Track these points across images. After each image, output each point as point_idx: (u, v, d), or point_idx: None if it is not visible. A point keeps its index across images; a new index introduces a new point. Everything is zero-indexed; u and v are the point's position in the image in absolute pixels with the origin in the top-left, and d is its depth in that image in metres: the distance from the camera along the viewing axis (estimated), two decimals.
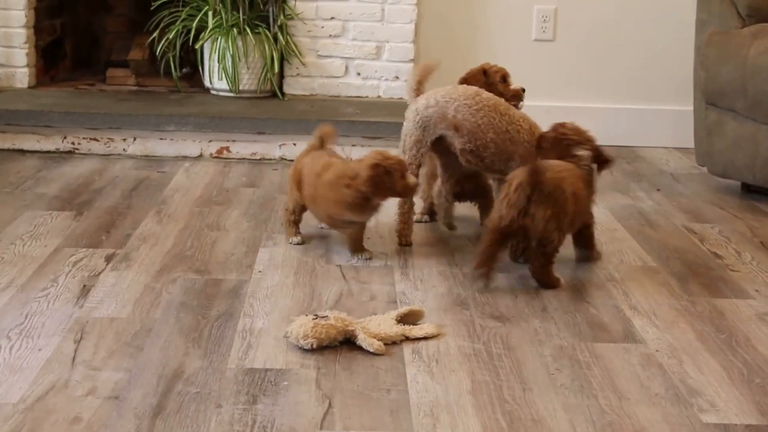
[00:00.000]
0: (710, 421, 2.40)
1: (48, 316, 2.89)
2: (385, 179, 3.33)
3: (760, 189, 4.44)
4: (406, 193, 3.41)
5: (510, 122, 3.57)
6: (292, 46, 5.24)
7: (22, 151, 4.83)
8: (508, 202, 3.17)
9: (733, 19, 4.48)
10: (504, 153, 3.56)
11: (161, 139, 4.86)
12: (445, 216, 3.78)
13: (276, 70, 5.16)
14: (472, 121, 3.54)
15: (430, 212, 3.92)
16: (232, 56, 5.10)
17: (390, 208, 3.61)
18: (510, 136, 3.55)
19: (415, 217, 3.78)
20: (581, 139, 3.47)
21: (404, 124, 3.67)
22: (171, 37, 5.16)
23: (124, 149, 4.86)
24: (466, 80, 3.89)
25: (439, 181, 3.77)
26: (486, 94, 3.61)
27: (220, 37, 5.10)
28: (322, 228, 3.73)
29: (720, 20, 4.52)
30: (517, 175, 3.21)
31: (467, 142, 3.55)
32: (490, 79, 3.91)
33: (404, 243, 3.64)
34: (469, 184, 3.82)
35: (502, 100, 3.66)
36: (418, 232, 3.76)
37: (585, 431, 2.33)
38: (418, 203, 3.88)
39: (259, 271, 3.31)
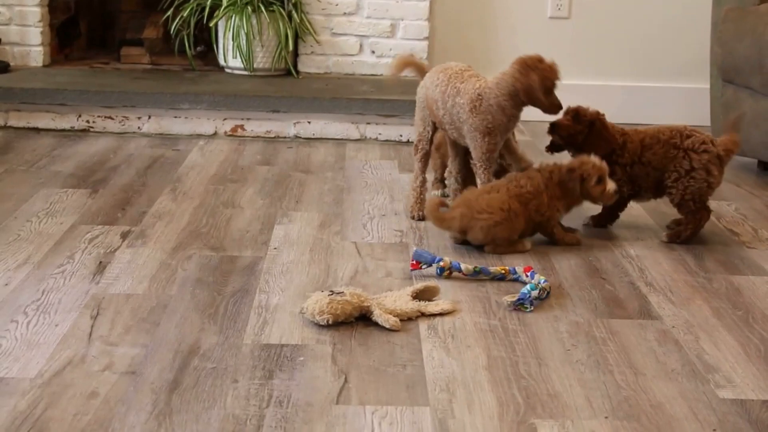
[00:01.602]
0: (727, 397, 2.39)
1: (64, 292, 2.90)
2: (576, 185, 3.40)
3: None
4: (604, 199, 3.44)
5: (466, 89, 3.48)
6: (307, 24, 5.23)
7: (37, 130, 4.84)
8: None
9: None
10: (457, 122, 3.51)
11: (176, 117, 4.86)
12: (455, 196, 3.77)
13: (290, 48, 5.15)
14: (440, 91, 3.53)
15: (442, 183, 3.90)
16: (247, 34, 5.09)
17: (402, 184, 3.60)
18: (457, 100, 3.49)
19: (431, 192, 3.80)
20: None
21: None
22: (185, 15, 5.16)
23: (138, 127, 4.87)
24: None
25: (449, 161, 3.76)
26: (458, 68, 3.57)
27: (234, 15, 5.09)
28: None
29: None
30: None
31: (443, 114, 3.54)
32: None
33: (417, 218, 3.63)
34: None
35: (467, 68, 3.61)
36: None
37: (601, 406, 2.33)
38: (430, 176, 3.88)
39: (275, 248, 3.31)
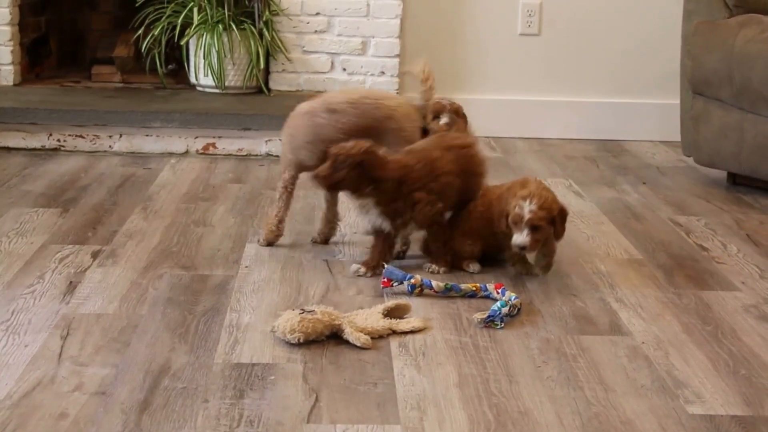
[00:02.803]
0: (696, 412, 2.41)
1: (34, 312, 2.89)
2: None
3: (746, 181, 4.45)
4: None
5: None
6: (278, 41, 5.24)
7: (7, 149, 4.82)
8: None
9: (720, 10, 4.50)
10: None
11: (147, 135, 4.86)
12: None
13: (262, 66, 5.16)
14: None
15: None
16: (218, 52, 5.09)
17: None
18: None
19: None
20: None
21: None
22: (156, 33, 5.16)
23: (110, 146, 4.86)
24: None
25: None
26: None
27: (205, 34, 5.09)
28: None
29: (707, 10, 4.53)
30: None
31: None
32: None
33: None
34: None
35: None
36: None
37: (571, 423, 2.34)
38: None
39: (246, 267, 3.31)
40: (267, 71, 5.31)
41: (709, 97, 4.45)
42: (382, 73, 5.31)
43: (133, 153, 4.85)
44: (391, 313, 2.88)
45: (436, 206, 3.26)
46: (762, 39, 4.17)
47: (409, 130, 3.49)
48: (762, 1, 4.51)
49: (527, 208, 3.09)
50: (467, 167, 3.36)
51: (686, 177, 4.70)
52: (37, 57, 5.63)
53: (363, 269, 3.26)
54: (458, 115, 3.73)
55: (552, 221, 3.13)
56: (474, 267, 3.34)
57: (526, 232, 3.11)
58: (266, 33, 5.17)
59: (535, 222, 3.09)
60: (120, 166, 4.63)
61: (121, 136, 4.85)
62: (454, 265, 3.33)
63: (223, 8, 5.12)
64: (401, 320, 2.85)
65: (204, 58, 5.12)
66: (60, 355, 2.62)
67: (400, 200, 3.23)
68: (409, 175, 3.24)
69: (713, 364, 2.67)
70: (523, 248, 3.13)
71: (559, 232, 3.19)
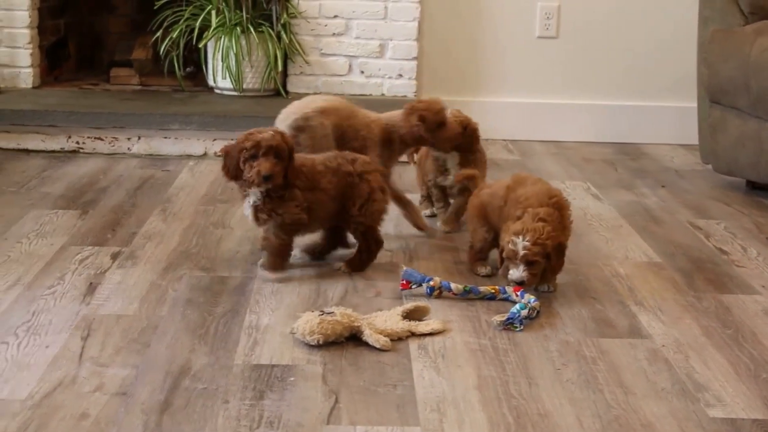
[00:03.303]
0: (717, 416, 2.40)
1: (55, 313, 2.90)
2: None
3: (766, 186, 4.44)
4: None
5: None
6: (296, 44, 5.25)
7: (27, 151, 4.84)
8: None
9: (735, 17, 4.48)
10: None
11: (165, 137, 4.87)
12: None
13: (279, 68, 5.17)
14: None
15: (429, 200, 3.98)
16: (236, 55, 5.10)
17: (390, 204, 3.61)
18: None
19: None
20: None
21: None
22: (174, 36, 5.17)
23: (128, 148, 4.87)
24: None
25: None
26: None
27: (223, 36, 5.11)
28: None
29: (722, 17, 4.52)
30: None
31: None
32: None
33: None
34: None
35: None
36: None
37: (591, 425, 2.34)
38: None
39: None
40: (285, 74, 5.32)
41: (726, 105, 4.43)
42: (400, 75, 5.31)
43: (151, 155, 4.87)
44: (410, 315, 2.88)
45: (301, 215, 3.22)
46: None
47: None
48: None
49: (521, 245, 3.02)
50: (348, 193, 3.30)
51: (705, 180, 4.69)
52: (56, 60, 5.65)
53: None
54: (466, 130, 3.73)
55: (547, 256, 3.05)
56: (483, 270, 3.33)
57: (522, 267, 3.05)
58: (284, 36, 5.18)
59: (530, 258, 3.03)
60: (138, 168, 4.65)
61: (139, 138, 4.87)
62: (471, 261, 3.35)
63: (242, 11, 5.13)
64: (420, 322, 2.85)
65: (222, 61, 5.14)
66: (81, 355, 2.62)
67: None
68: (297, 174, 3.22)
69: (734, 368, 2.67)
70: (521, 284, 3.06)
71: (554, 268, 3.09)
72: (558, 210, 3.13)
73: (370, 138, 3.59)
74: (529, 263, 3.03)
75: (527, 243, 3.02)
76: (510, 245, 3.05)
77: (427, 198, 3.95)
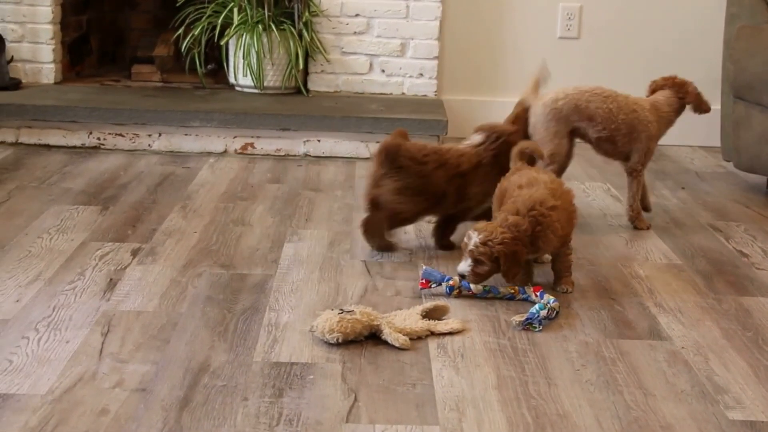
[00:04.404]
0: (736, 418, 2.39)
1: (75, 308, 2.91)
2: None
3: None
4: None
5: (634, 102, 3.87)
6: (317, 42, 5.25)
7: (48, 147, 4.86)
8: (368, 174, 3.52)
9: (763, 14, 4.47)
10: (633, 132, 3.82)
11: (186, 134, 4.88)
12: None
13: (300, 66, 5.17)
14: (604, 107, 3.78)
15: None
16: (257, 53, 5.11)
17: None
18: (636, 114, 3.83)
19: None
20: None
21: (531, 120, 3.84)
22: (196, 33, 5.18)
23: (149, 145, 4.89)
24: (514, 123, 4.00)
25: None
26: (606, 87, 3.91)
27: (245, 34, 5.11)
28: None
29: (750, 14, 4.51)
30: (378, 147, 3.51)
31: (602, 129, 3.80)
32: None
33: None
34: None
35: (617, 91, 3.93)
36: None
37: (611, 427, 2.33)
38: None
39: (285, 266, 3.32)
40: (306, 72, 5.33)
41: (751, 101, 4.42)
42: (421, 75, 5.31)
43: (172, 152, 4.88)
44: (430, 314, 2.88)
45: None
46: None
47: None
48: None
49: (472, 240, 3.06)
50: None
51: (726, 182, 4.68)
52: (78, 56, 5.68)
53: None
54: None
55: (496, 260, 3.05)
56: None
57: (468, 261, 3.08)
58: (305, 34, 5.19)
59: (475, 255, 3.06)
60: (159, 164, 4.66)
61: (160, 135, 4.88)
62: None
63: (263, 9, 5.14)
64: (440, 321, 2.85)
65: (243, 59, 5.14)
66: (101, 351, 2.63)
67: None
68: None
69: (754, 371, 2.66)
70: (462, 276, 3.10)
71: (506, 273, 3.06)
72: (536, 224, 3.08)
73: None
74: (475, 261, 3.07)
75: (477, 240, 3.05)
76: (465, 237, 3.10)
77: None
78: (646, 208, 4.02)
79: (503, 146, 3.51)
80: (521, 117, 3.83)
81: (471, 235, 3.08)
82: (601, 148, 3.88)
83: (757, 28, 4.43)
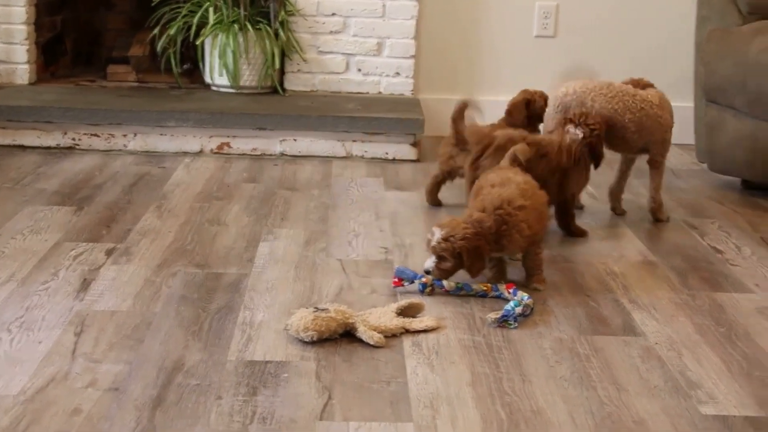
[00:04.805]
0: (709, 413, 2.40)
1: (48, 309, 2.90)
2: None
3: (760, 185, 4.44)
4: None
5: (642, 99, 3.87)
6: (293, 42, 5.25)
7: (22, 147, 4.83)
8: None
9: (733, 16, 4.48)
10: (643, 130, 3.86)
11: (162, 134, 4.87)
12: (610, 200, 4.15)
13: (277, 66, 5.17)
14: (608, 108, 3.82)
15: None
16: (233, 52, 5.10)
17: (387, 201, 3.60)
18: (645, 111, 3.85)
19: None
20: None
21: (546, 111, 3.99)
22: (172, 33, 5.16)
23: (124, 145, 4.87)
24: (510, 113, 4.15)
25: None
26: (617, 83, 3.93)
27: (221, 33, 5.10)
28: None
29: (720, 17, 4.52)
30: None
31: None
32: (533, 107, 4.17)
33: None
34: None
35: (629, 86, 3.96)
36: (417, 223, 3.77)
37: (584, 423, 2.34)
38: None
39: (260, 265, 3.31)
40: (282, 71, 5.32)
41: (723, 104, 4.43)
42: (397, 74, 5.31)
43: (147, 152, 4.86)
44: (405, 312, 2.88)
45: None
46: None
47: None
48: None
49: (435, 237, 3.09)
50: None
51: (700, 180, 4.69)
52: (53, 56, 5.65)
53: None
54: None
55: (458, 255, 3.07)
56: None
57: (432, 258, 3.11)
58: (282, 33, 5.18)
59: (438, 251, 3.09)
60: (134, 164, 4.64)
61: (135, 135, 4.86)
62: None
63: (239, 8, 5.13)
64: (414, 319, 2.86)
65: (219, 58, 5.13)
66: (74, 351, 2.62)
67: None
68: None
69: (726, 366, 2.67)
70: (427, 272, 3.12)
71: (469, 269, 3.09)
72: (501, 222, 3.10)
73: None
74: (438, 257, 3.09)
75: (439, 237, 3.07)
76: (428, 234, 3.13)
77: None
78: (615, 209, 4.08)
79: (597, 139, 3.72)
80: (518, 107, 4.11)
81: (434, 231, 3.10)
82: (611, 144, 3.91)
83: (726, 31, 4.44)
